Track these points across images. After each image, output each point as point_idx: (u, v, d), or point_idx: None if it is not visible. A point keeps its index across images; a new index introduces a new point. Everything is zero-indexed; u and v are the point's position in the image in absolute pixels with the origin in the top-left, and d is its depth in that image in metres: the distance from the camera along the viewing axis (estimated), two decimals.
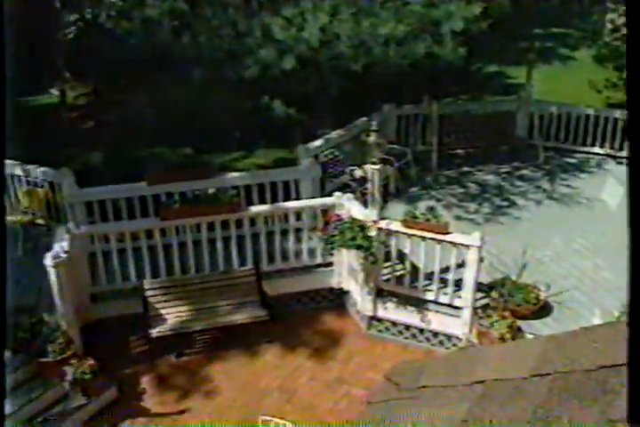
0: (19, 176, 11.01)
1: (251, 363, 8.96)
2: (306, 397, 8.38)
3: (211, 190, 9.31)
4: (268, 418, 6.84)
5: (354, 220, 8.74)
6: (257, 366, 8.91)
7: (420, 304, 9.11)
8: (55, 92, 18.59)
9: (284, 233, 9.73)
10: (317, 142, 11.39)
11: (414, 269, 9.17)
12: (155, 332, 8.79)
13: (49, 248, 8.39)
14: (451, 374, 3.08)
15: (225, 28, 12.00)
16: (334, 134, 11.81)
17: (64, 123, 16.59)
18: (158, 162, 12.85)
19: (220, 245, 9.37)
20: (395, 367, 3.83)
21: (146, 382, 8.65)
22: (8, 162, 11.22)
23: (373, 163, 9.16)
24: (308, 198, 10.20)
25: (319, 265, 9.94)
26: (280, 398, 8.33)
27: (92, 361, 8.03)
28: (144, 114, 13.84)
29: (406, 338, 9.27)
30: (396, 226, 8.89)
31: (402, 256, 9.25)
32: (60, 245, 8.37)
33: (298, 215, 9.80)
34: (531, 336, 8.12)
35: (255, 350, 9.13)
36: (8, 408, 7.69)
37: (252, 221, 9.58)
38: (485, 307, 8.82)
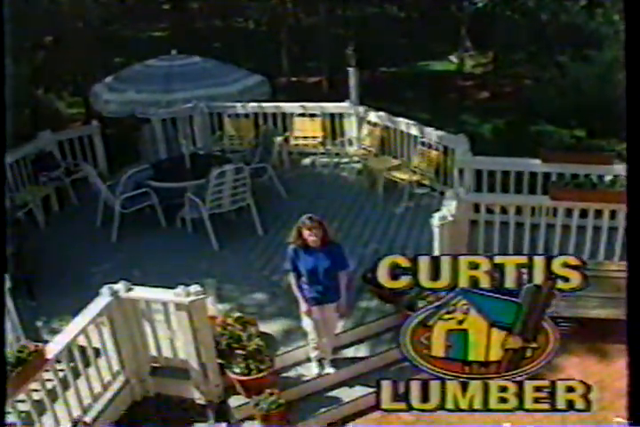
0: (414, 136, 11.55)
1: (607, 362, 8.55)
2: None
3: (607, 178, 8.97)
4: (622, 420, 6.55)
5: None
6: (614, 367, 8.43)
7: None
8: (454, 59, 19.17)
9: None
10: None
11: None
12: None
13: (430, 209, 8.65)
14: None
15: None
16: None
17: (459, 90, 17.03)
18: (548, 140, 12.66)
19: (604, 234, 9.03)
20: None
21: None
22: (404, 121, 11.84)
23: None
24: None
25: None
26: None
27: None
28: (542, 89, 13.66)
29: None
30: None
31: None
32: (448, 208, 8.63)
33: None
34: None
35: (612, 351, 8.66)
36: (366, 351, 8.24)
37: None
38: None
